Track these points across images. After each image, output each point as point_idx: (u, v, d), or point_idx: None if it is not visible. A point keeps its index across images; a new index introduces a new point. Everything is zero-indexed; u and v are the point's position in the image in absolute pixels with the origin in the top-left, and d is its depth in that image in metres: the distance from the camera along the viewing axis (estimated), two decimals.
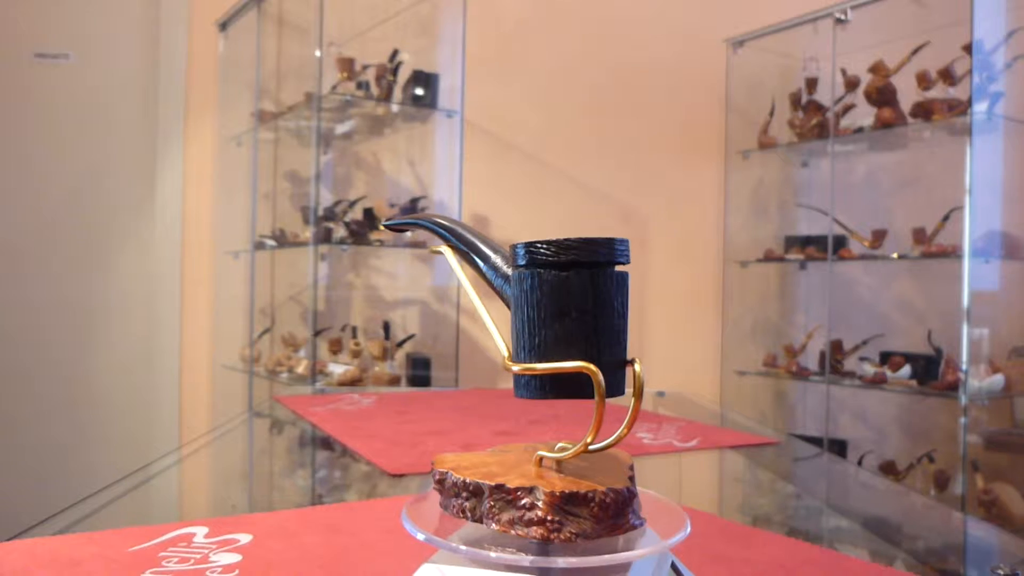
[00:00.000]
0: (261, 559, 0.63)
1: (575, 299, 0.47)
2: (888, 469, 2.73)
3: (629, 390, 0.49)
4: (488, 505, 0.47)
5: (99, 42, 2.85)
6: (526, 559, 0.46)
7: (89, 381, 2.83)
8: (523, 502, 0.45)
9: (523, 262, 0.48)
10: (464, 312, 2.71)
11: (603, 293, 0.47)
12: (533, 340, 0.47)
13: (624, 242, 0.48)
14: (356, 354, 2.54)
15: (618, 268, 0.49)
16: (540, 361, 0.47)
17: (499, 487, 0.46)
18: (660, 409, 1.63)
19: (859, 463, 2.81)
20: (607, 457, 0.53)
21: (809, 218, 3.10)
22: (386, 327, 2.65)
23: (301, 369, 2.49)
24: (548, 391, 0.48)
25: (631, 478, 0.49)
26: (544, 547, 0.47)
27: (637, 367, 0.47)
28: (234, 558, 0.62)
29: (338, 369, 2.49)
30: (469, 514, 0.48)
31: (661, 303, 3.13)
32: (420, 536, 0.47)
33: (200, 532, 0.68)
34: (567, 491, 0.45)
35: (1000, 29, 2.60)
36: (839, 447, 2.89)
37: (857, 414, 3.03)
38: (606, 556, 0.47)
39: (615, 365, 0.48)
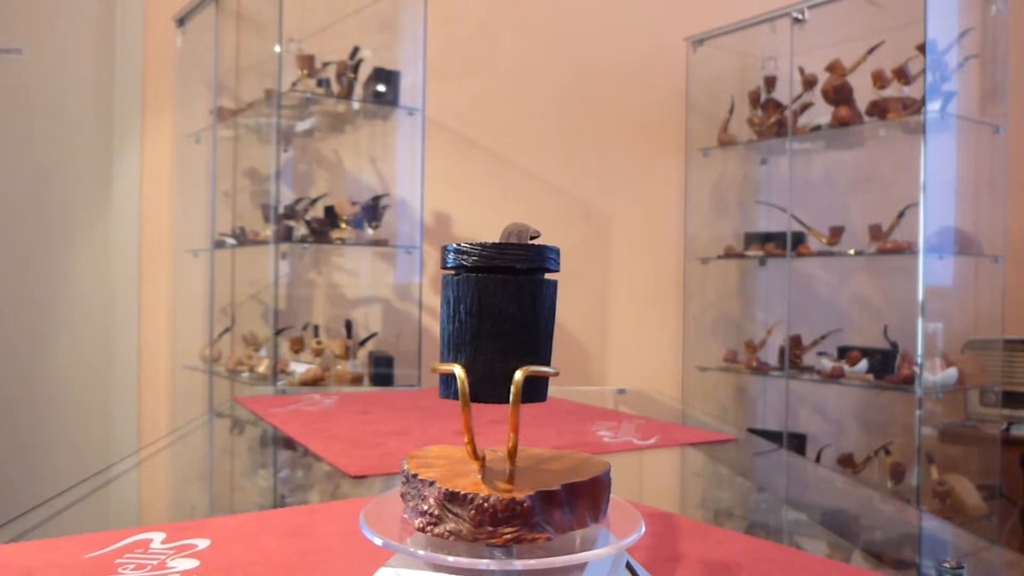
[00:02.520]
0: (219, 564, 0.62)
1: (463, 303, 0.47)
2: (846, 462, 2.77)
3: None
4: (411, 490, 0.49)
5: (53, 37, 2.80)
6: (481, 562, 0.46)
7: (45, 383, 2.78)
8: (423, 492, 0.47)
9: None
10: (426, 310, 2.71)
11: (490, 298, 0.47)
12: (441, 341, 0.49)
13: (521, 247, 0.47)
14: (318, 353, 2.52)
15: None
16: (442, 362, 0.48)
17: (414, 476, 0.48)
18: (621, 406, 1.65)
19: (818, 456, 2.86)
20: (586, 463, 0.53)
21: (769, 215, 3.14)
22: (348, 326, 2.64)
23: (262, 368, 2.47)
24: (450, 393, 0.48)
25: (589, 487, 0.48)
26: (500, 551, 0.48)
27: (518, 375, 0.46)
28: (192, 563, 0.62)
29: (300, 368, 2.47)
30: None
31: (623, 300, 3.16)
32: (377, 541, 0.48)
33: (157, 537, 0.68)
34: (450, 489, 0.46)
35: (953, 29, 2.65)
36: (799, 441, 2.93)
37: (816, 408, 3.08)
38: (559, 558, 0.47)
39: (506, 371, 0.47)
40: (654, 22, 3.22)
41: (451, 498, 0.46)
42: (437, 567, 0.47)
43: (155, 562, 0.62)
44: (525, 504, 0.45)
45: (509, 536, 0.45)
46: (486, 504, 0.45)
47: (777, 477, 1.22)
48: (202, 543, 0.67)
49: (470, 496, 0.45)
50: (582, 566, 0.49)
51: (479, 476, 0.49)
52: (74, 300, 2.82)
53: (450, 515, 0.46)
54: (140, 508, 0.98)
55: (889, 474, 2.67)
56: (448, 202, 2.94)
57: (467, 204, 2.99)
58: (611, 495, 0.52)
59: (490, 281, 0.47)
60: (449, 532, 0.46)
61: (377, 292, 2.82)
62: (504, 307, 0.47)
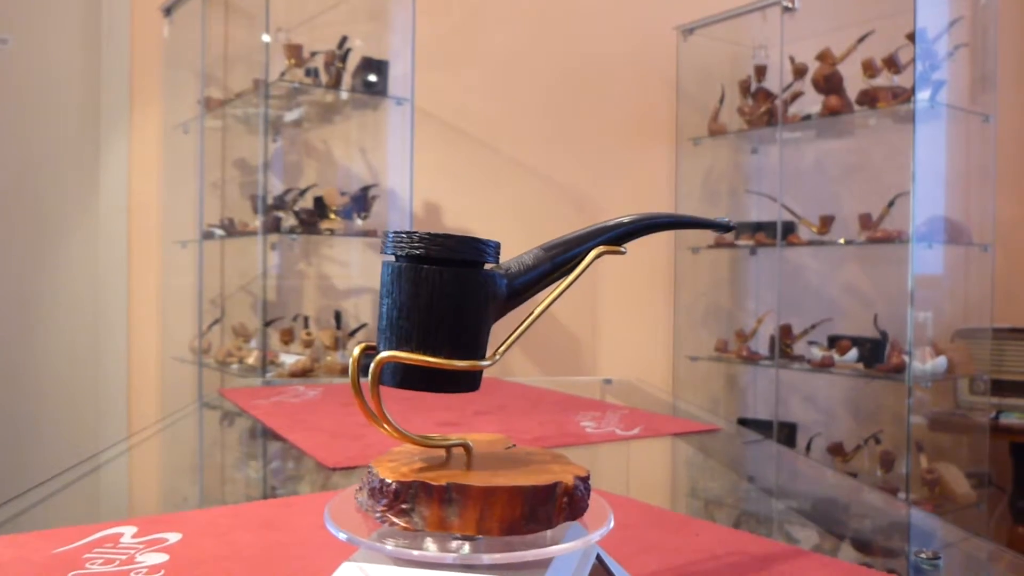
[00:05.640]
0: (189, 558, 0.62)
1: (384, 288, 0.49)
2: (836, 451, 2.78)
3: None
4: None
5: (39, 26, 2.78)
6: (448, 556, 0.46)
7: (33, 375, 2.77)
8: (385, 479, 0.47)
9: None
10: None
11: (405, 286, 0.48)
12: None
13: (441, 237, 0.48)
14: (308, 344, 2.52)
15: (487, 267, 0.50)
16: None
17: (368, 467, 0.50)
18: (607, 397, 1.65)
19: (808, 445, 2.87)
20: (540, 471, 0.52)
21: (759, 204, 3.14)
22: (338, 316, 2.63)
23: (252, 360, 2.46)
24: (385, 379, 0.49)
25: (546, 490, 0.46)
26: (468, 544, 0.47)
27: (355, 351, 0.49)
28: (161, 558, 0.61)
29: (289, 359, 2.46)
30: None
31: (614, 290, 3.15)
32: (342, 536, 0.47)
33: (128, 532, 0.67)
34: (372, 469, 0.48)
35: (943, 18, 2.65)
36: (789, 430, 2.94)
37: (806, 397, 3.08)
38: (531, 552, 0.47)
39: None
40: (644, 11, 3.20)
41: (369, 478, 0.48)
42: (402, 561, 0.47)
43: (124, 557, 0.61)
44: (392, 487, 0.46)
45: (379, 513, 0.47)
46: (375, 481, 0.47)
47: (759, 467, 1.22)
48: (173, 537, 0.67)
49: (370, 473, 0.48)
50: (548, 560, 0.48)
51: (422, 465, 0.49)
52: (62, 292, 2.81)
53: (400, 505, 0.47)
54: (115, 502, 0.97)
55: (879, 463, 2.67)
56: (438, 192, 2.93)
57: (457, 194, 2.98)
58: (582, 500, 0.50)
59: (407, 270, 0.48)
60: (401, 524, 0.47)
61: (367, 283, 2.81)
62: (417, 296, 0.48)
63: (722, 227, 0.58)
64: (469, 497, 0.45)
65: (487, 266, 0.50)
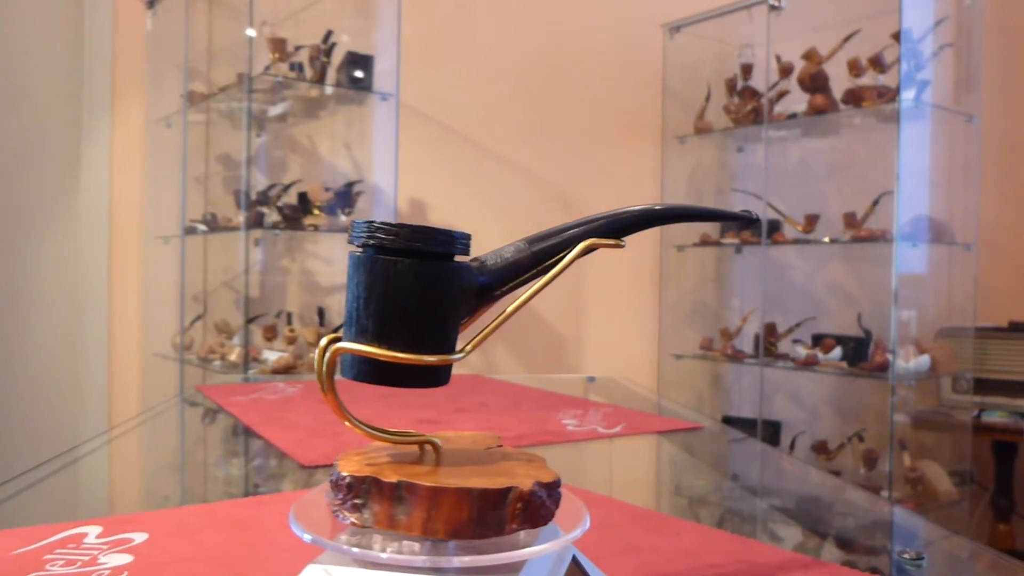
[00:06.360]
0: (153, 559, 0.60)
1: (349, 279, 0.48)
2: (820, 449, 2.79)
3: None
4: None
5: (19, 19, 2.74)
6: (418, 559, 0.45)
7: (13, 371, 2.74)
8: (341, 472, 0.47)
9: None
10: None
11: (362, 277, 0.47)
12: None
13: (404, 228, 0.46)
14: (291, 341, 2.50)
15: (458, 259, 0.48)
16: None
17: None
18: (591, 395, 1.64)
19: (792, 444, 2.87)
20: (530, 463, 0.50)
21: (745, 203, 3.14)
22: (321, 313, 2.62)
23: (234, 356, 2.44)
24: (345, 372, 0.49)
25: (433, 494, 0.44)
26: (437, 547, 0.46)
27: (323, 342, 0.48)
28: (125, 559, 0.60)
29: (272, 356, 2.44)
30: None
31: (599, 288, 3.15)
32: (306, 538, 0.46)
33: (93, 532, 0.66)
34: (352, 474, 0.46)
35: (928, 18, 2.65)
36: (773, 428, 2.94)
37: (791, 395, 3.09)
38: (502, 555, 0.46)
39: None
40: (631, 9, 3.19)
41: (331, 471, 0.48)
42: (368, 564, 0.46)
43: (86, 558, 0.60)
44: (346, 480, 0.45)
45: (336, 507, 0.46)
46: (335, 474, 0.47)
47: (742, 466, 1.21)
48: (139, 537, 0.65)
49: (334, 466, 0.47)
50: (521, 563, 0.47)
51: (386, 460, 0.49)
52: (43, 287, 2.78)
53: (355, 500, 0.47)
54: (84, 500, 0.96)
55: (862, 461, 2.68)
56: (423, 188, 2.92)
57: (442, 190, 2.97)
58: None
59: (363, 260, 0.47)
60: (353, 516, 0.47)
61: None
62: (373, 287, 0.46)
63: (746, 220, 0.55)
64: (417, 496, 0.44)
65: (458, 258, 0.48)
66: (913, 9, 2.52)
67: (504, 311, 0.50)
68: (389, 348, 0.46)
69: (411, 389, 0.49)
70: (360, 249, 0.47)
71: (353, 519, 0.46)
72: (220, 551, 0.63)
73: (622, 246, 0.51)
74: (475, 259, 0.50)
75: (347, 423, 0.49)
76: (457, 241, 0.47)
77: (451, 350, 0.48)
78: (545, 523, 0.46)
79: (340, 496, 0.46)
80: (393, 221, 0.47)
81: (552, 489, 0.46)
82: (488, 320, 0.50)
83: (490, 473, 0.47)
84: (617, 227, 0.52)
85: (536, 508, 0.45)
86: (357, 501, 0.45)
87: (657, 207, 0.53)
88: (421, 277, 0.46)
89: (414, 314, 0.46)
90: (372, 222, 0.47)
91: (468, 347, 0.49)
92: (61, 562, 0.59)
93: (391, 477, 0.45)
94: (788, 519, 0.91)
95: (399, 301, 0.46)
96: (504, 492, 0.44)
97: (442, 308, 0.47)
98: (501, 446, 0.55)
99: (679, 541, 0.70)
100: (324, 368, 0.47)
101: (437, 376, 0.48)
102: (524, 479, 0.46)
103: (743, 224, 0.53)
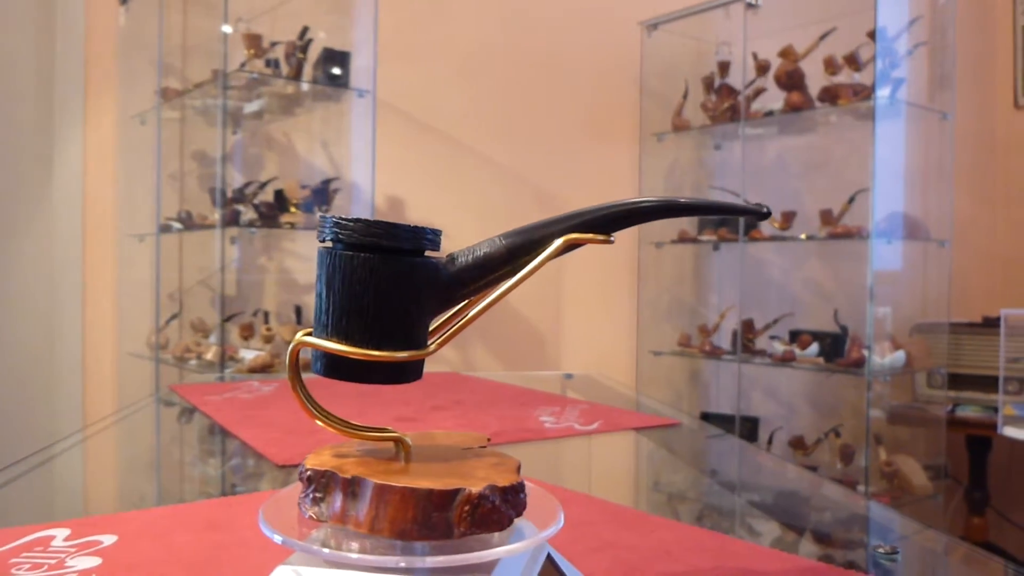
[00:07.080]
0: (122, 562, 0.60)
1: (317, 276, 0.47)
2: (797, 444, 2.80)
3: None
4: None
5: None
6: (388, 560, 0.44)
7: None
8: (306, 467, 0.47)
9: None
10: None
11: (323, 272, 0.46)
12: None
13: (367, 224, 0.46)
14: (268, 339, 2.48)
15: (429, 254, 0.48)
16: None
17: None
18: (568, 391, 1.64)
19: (770, 439, 2.89)
20: (497, 465, 0.50)
21: (722, 200, 3.15)
22: (298, 311, 2.60)
23: (210, 355, 2.42)
24: (315, 368, 0.48)
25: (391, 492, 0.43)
26: (409, 546, 0.46)
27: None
28: (93, 562, 0.59)
29: (249, 355, 2.42)
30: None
31: (577, 285, 3.15)
32: (276, 538, 0.45)
33: (61, 534, 0.64)
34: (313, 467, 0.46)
35: (903, 17, 2.68)
36: (751, 424, 2.95)
37: (768, 391, 3.10)
38: (474, 554, 0.45)
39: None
40: (608, 6, 3.20)
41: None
42: (339, 564, 0.45)
43: (53, 561, 0.59)
44: (307, 474, 0.45)
45: (299, 501, 0.46)
46: (301, 467, 0.46)
47: (719, 462, 1.22)
48: (108, 539, 0.64)
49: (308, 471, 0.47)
50: (494, 562, 0.47)
51: (354, 457, 0.48)
52: (15, 286, 2.74)
53: (316, 495, 0.46)
54: (52, 502, 0.94)
55: (839, 456, 2.70)
56: (400, 185, 2.90)
57: (419, 188, 2.95)
58: (531, 484, 0.49)
59: (324, 255, 0.46)
60: (312, 510, 0.47)
61: None
62: (333, 282, 0.46)
63: (758, 214, 0.52)
64: (368, 493, 0.43)
65: (429, 254, 0.48)
66: (888, 8, 2.54)
67: (474, 308, 0.49)
68: (347, 343, 0.46)
69: (388, 386, 0.48)
70: (327, 245, 0.47)
71: (312, 513, 0.45)
72: (190, 552, 0.63)
73: (611, 242, 0.50)
74: (448, 255, 0.49)
75: (316, 420, 0.49)
76: (424, 236, 0.47)
77: (418, 346, 0.47)
78: (499, 528, 0.45)
79: (303, 491, 0.46)
80: (370, 218, 0.46)
81: (508, 493, 0.45)
82: (458, 318, 0.50)
83: (447, 473, 0.46)
84: (602, 222, 0.50)
85: (486, 512, 0.44)
86: (317, 495, 0.45)
87: (682, 199, 0.51)
88: (378, 272, 0.46)
89: (371, 309, 0.46)
90: (333, 217, 0.46)
91: (432, 345, 0.48)
92: (27, 566, 0.57)
93: (347, 473, 0.44)
94: (765, 515, 0.91)
95: (356, 296, 0.46)
96: (452, 494, 0.43)
97: (402, 303, 0.46)
98: (485, 447, 0.54)
99: (656, 538, 0.69)
100: (289, 363, 0.47)
101: (404, 372, 0.47)
102: (478, 481, 0.44)
103: (757, 217, 0.51)
